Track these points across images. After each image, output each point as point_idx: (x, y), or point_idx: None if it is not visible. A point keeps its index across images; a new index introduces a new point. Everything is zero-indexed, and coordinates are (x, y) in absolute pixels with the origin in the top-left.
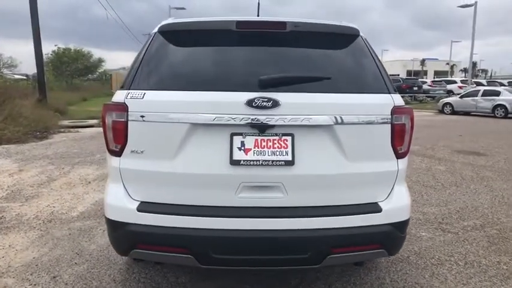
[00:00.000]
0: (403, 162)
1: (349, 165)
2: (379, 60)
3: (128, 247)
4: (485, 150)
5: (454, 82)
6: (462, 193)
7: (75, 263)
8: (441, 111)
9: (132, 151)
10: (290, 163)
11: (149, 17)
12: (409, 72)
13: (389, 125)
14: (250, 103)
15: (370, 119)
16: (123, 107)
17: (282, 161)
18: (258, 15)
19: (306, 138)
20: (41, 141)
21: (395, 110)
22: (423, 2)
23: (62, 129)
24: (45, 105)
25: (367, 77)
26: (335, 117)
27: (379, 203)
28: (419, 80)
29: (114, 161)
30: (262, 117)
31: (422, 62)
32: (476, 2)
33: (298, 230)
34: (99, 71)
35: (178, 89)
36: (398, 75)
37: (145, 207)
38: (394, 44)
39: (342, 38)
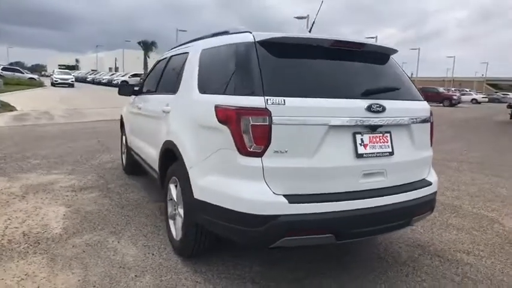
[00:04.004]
0: (432, 150)
1: (416, 153)
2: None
3: (278, 237)
4: None
5: None
6: None
7: (135, 276)
8: None
9: (275, 151)
10: (391, 154)
11: None
12: None
13: (430, 123)
14: (369, 108)
15: (423, 119)
16: (266, 112)
17: (387, 152)
18: (310, 31)
19: (397, 134)
20: None
21: (431, 112)
22: (254, 5)
23: None
24: None
25: (411, 87)
26: (411, 118)
27: (426, 178)
28: None
29: (251, 161)
30: (376, 119)
31: None
32: (308, 15)
33: (398, 203)
34: None
35: (312, 96)
36: None
37: (293, 199)
38: None
39: (387, 56)
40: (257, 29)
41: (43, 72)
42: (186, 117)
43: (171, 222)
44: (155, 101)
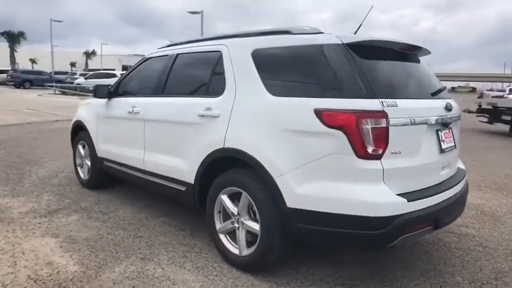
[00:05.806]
0: None
1: (458, 145)
2: None
3: (399, 235)
4: None
5: None
6: None
7: None
8: None
9: (392, 152)
10: (455, 147)
11: None
12: (124, 67)
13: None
14: (446, 107)
15: (459, 115)
16: (383, 114)
17: (453, 146)
18: (355, 33)
19: (454, 129)
20: None
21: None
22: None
23: None
24: None
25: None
26: (458, 114)
27: (460, 167)
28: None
29: (371, 163)
30: (449, 116)
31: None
32: (202, 11)
33: (461, 190)
34: None
35: (409, 98)
36: (114, 69)
37: (409, 197)
38: (101, 37)
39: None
40: (138, 21)
41: None
42: (258, 122)
43: (222, 236)
44: (174, 105)
